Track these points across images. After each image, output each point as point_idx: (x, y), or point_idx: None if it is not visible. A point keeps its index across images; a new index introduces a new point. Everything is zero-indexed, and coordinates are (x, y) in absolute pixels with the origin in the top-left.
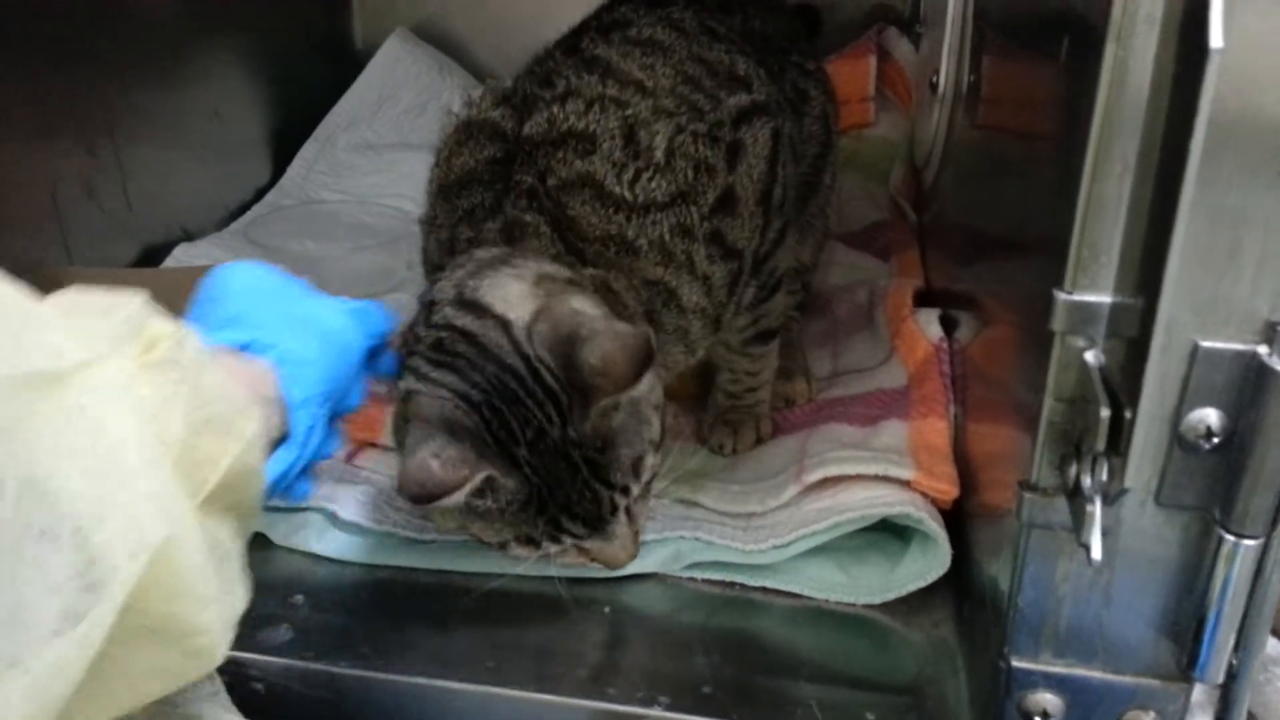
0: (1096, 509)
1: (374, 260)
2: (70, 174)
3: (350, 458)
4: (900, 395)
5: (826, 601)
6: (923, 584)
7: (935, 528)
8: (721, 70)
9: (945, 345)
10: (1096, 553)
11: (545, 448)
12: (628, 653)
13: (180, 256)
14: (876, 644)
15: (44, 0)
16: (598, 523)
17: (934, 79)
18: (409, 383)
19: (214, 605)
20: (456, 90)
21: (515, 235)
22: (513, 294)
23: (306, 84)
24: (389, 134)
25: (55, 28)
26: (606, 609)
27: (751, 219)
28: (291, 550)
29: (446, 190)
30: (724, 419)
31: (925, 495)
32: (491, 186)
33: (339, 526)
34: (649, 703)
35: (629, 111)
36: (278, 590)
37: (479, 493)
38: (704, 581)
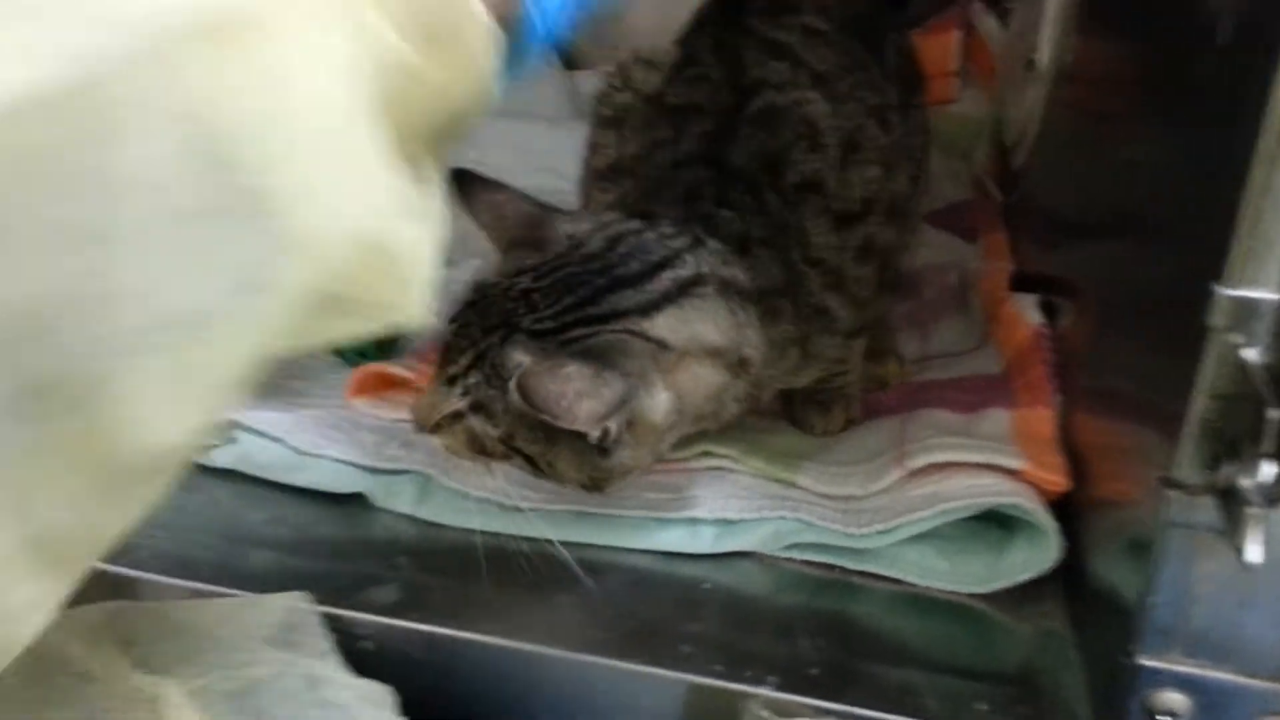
0: (1257, 512)
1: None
2: None
3: None
4: (999, 381)
5: (929, 589)
6: (1031, 576)
7: (1047, 520)
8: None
9: (1046, 332)
10: (1255, 556)
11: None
12: (731, 630)
13: None
14: (982, 633)
15: None
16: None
17: (1032, 55)
18: None
19: (415, 284)
20: None
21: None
22: None
23: None
24: None
25: None
26: (706, 585)
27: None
28: (390, 512)
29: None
30: (814, 399)
31: (1034, 486)
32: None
33: (437, 491)
34: (758, 681)
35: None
36: (382, 551)
37: None
38: (803, 562)
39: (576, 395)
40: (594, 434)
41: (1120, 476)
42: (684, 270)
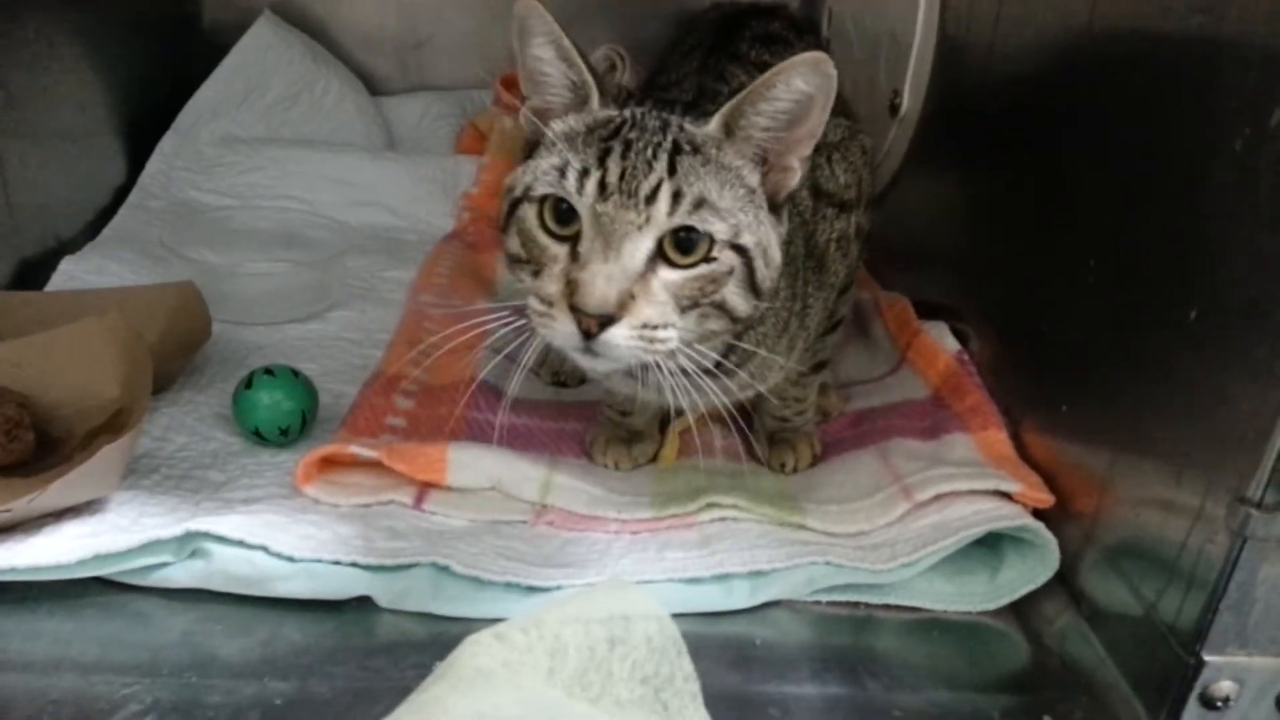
0: None
1: (302, 276)
2: None
3: (418, 502)
4: (935, 406)
5: (944, 613)
6: (1031, 588)
7: (1048, 536)
8: None
9: (966, 356)
10: None
11: (654, 113)
12: (800, 683)
13: (69, 271)
14: (1007, 647)
15: None
16: (628, 192)
17: (897, 101)
18: None
19: None
20: (332, 79)
21: None
22: None
23: (151, 69)
24: (257, 127)
25: None
26: (757, 641)
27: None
28: (399, 613)
29: None
30: (778, 438)
31: (1024, 505)
32: None
33: (450, 582)
34: None
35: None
36: (395, 652)
37: (575, 88)
38: (827, 604)
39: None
40: None
41: (1125, 492)
42: None
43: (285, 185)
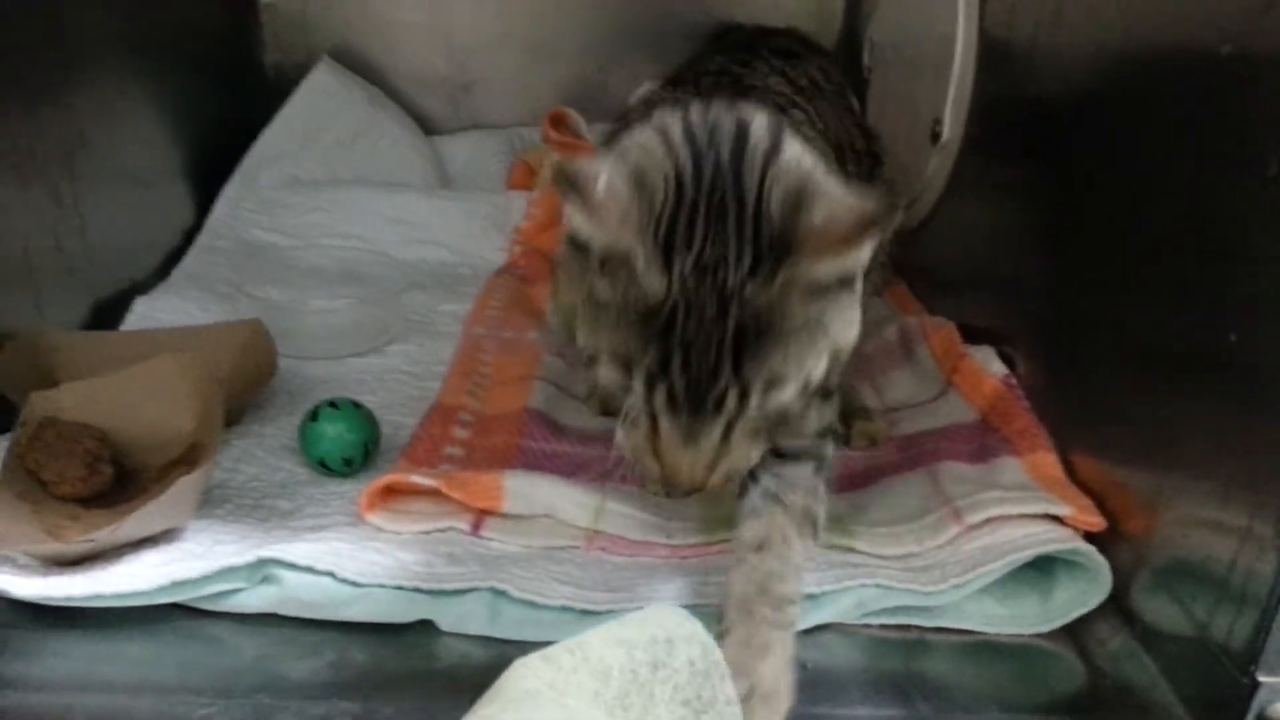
0: None
1: (360, 312)
2: (41, 229)
3: (476, 529)
4: (983, 430)
5: (996, 635)
6: (1084, 610)
7: (1100, 559)
8: (851, 143)
9: (1013, 380)
10: None
11: (709, 280)
12: (854, 708)
13: (142, 311)
14: (1060, 669)
15: None
16: (695, 403)
17: (938, 129)
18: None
19: None
20: (388, 122)
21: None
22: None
23: (215, 112)
24: (317, 169)
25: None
26: (809, 666)
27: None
28: (459, 636)
29: None
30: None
31: (1075, 528)
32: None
33: (508, 606)
34: None
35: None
36: (455, 675)
37: (608, 265)
38: (878, 627)
39: None
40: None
41: (1173, 512)
42: None
43: (345, 225)
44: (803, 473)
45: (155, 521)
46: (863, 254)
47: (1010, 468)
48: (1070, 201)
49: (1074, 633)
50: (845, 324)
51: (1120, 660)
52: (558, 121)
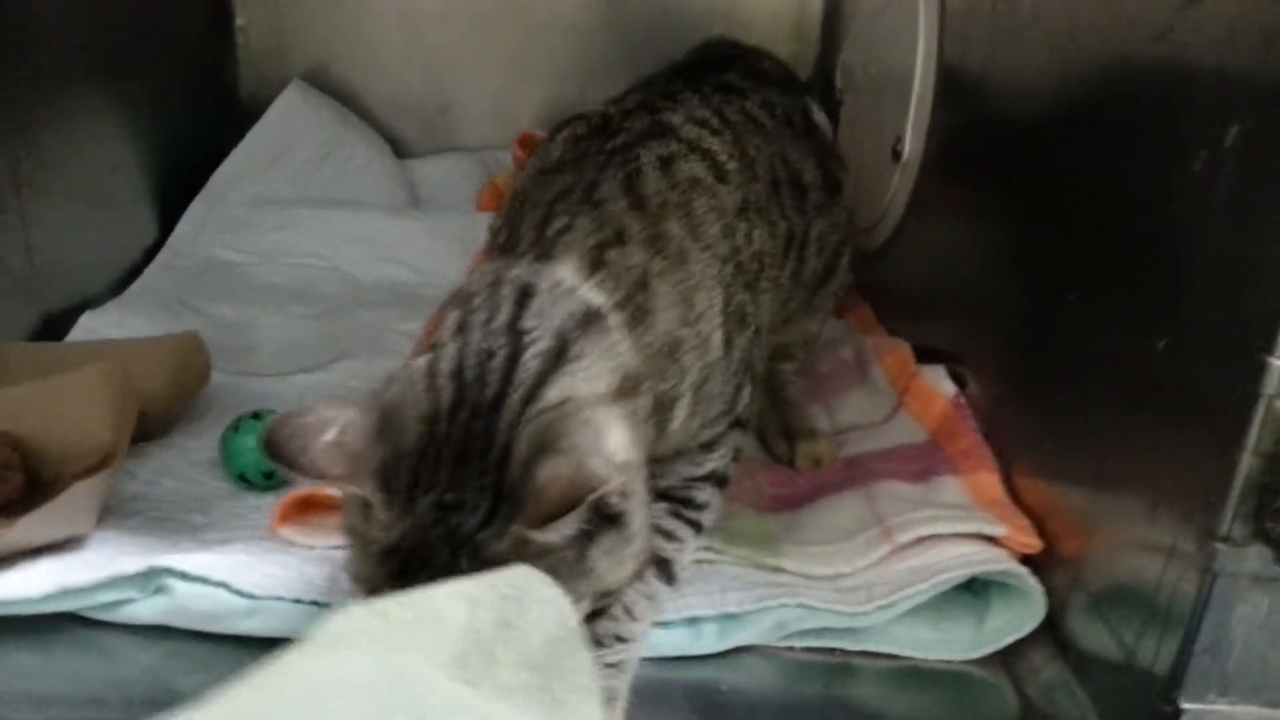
0: None
1: (310, 328)
2: None
3: None
4: (930, 450)
5: (925, 660)
6: (1018, 636)
7: (1033, 582)
8: (794, 175)
9: (962, 400)
10: None
11: (444, 525)
12: None
13: (88, 325)
14: (989, 697)
15: None
16: None
17: (898, 147)
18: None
19: None
20: (359, 142)
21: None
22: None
23: (187, 138)
24: (285, 189)
25: None
26: (724, 688)
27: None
28: None
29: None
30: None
31: (1010, 550)
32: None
33: None
34: None
35: (750, 186)
36: None
37: (348, 504)
38: (801, 650)
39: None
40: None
41: (1107, 534)
42: None
43: (308, 244)
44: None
45: (50, 527)
46: (613, 502)
47: (949, 487)
48: (1021, 219)
49: (1006, 660)
50: (614, 564)
51: (1053, 689)
52: (527, 142)
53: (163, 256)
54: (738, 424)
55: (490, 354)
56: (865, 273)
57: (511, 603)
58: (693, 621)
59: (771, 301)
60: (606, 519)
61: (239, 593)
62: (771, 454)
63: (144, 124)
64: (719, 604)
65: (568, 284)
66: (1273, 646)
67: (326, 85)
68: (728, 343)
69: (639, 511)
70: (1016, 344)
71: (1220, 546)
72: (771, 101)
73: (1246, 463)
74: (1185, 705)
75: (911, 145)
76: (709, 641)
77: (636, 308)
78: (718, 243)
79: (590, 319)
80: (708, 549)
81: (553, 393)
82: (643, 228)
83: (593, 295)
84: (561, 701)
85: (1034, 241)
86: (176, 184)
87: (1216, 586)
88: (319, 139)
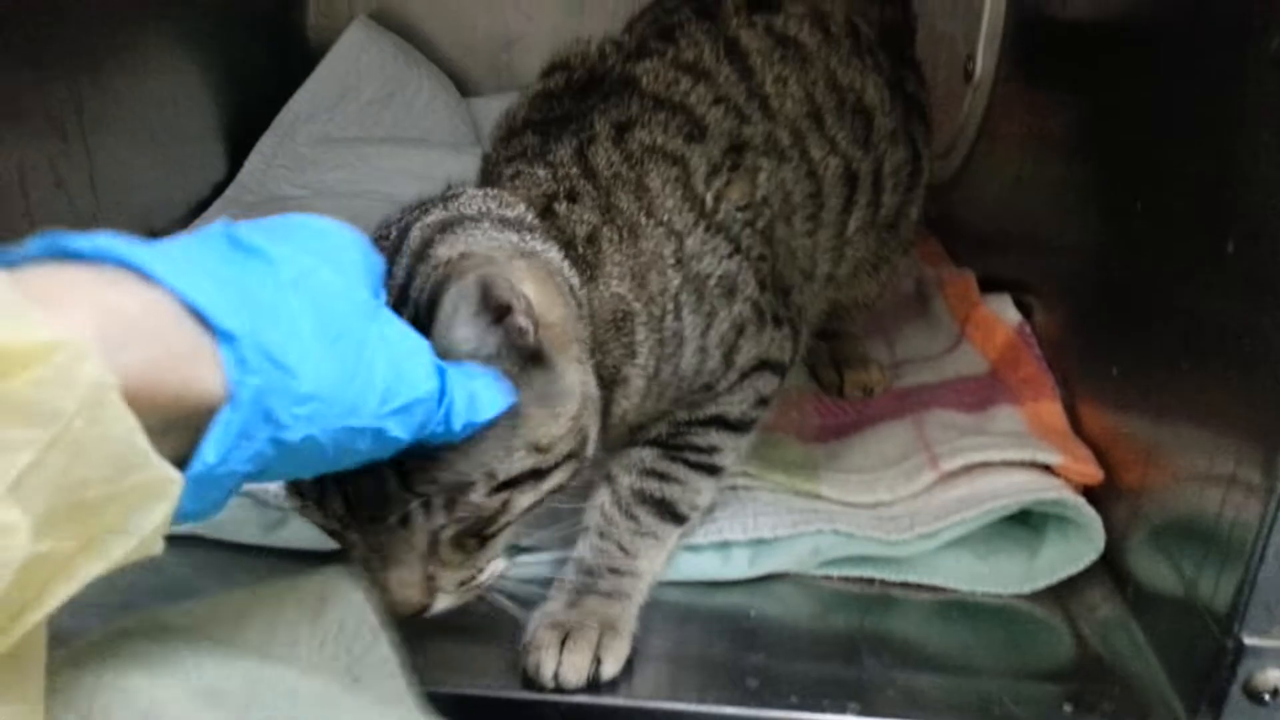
0: None
1: None
2: (40, 161)
3: None
4: (991, 380)
5: (971, 594)
6: (1074, 570)
7: (1090, 513)
8: (849, 101)
9: (1027, 328)
10: None
11: None
12: (792, 659)
13: None
14: (1038, 633)
15: None
16: (375, 521)
17: (969, 65)
18: None
19: None
20: (424, 80)
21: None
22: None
23: (257, 75)
24: (351, 127)
25: (19, 11)
26: (752, 613)
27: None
28: None
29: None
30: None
31: (1067, 480)
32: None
33: None
34: (839, 709)
35: (746, 130)
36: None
37: None
38: (840, 579)
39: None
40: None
41: (1168, 464)
42: None
43: (370, 181)
44: (645, 454)
45: None
46: (520, 322)
47: (1006, 416)
48: (1095, 137)
49: (1061, 595)
50: (547, 416)
51: (1108, 628)
52: None
53: (230, 192)
54: (765, 366)
55: (397, 231)
56: (933, 205)
57: (312, 602)
58: (723, 546)
59: (823, 247)
60: (531, 357)
61: (267, 504)
62: (821, 384)
63: (210, 60)
64: (751, 529)
65: (503, 200)
66: None
67: (391, 23)
68: (706, 323)
69: (572, 370)
70: (1085, 271)
71: None
72: (823, 11)
73: None
74: (1248, 640)
75: (983, 64)
76: (739, 567)
77: (584, 261)
78: (675, 216)
79: (507, 221)
80: (744, 474)
81: (441, 250)
82: (596, 195)
83: (527, 216)
84: (362, 681)
85: (1108, 161)
86: (245, 121)
87: None
88: (384, 77)
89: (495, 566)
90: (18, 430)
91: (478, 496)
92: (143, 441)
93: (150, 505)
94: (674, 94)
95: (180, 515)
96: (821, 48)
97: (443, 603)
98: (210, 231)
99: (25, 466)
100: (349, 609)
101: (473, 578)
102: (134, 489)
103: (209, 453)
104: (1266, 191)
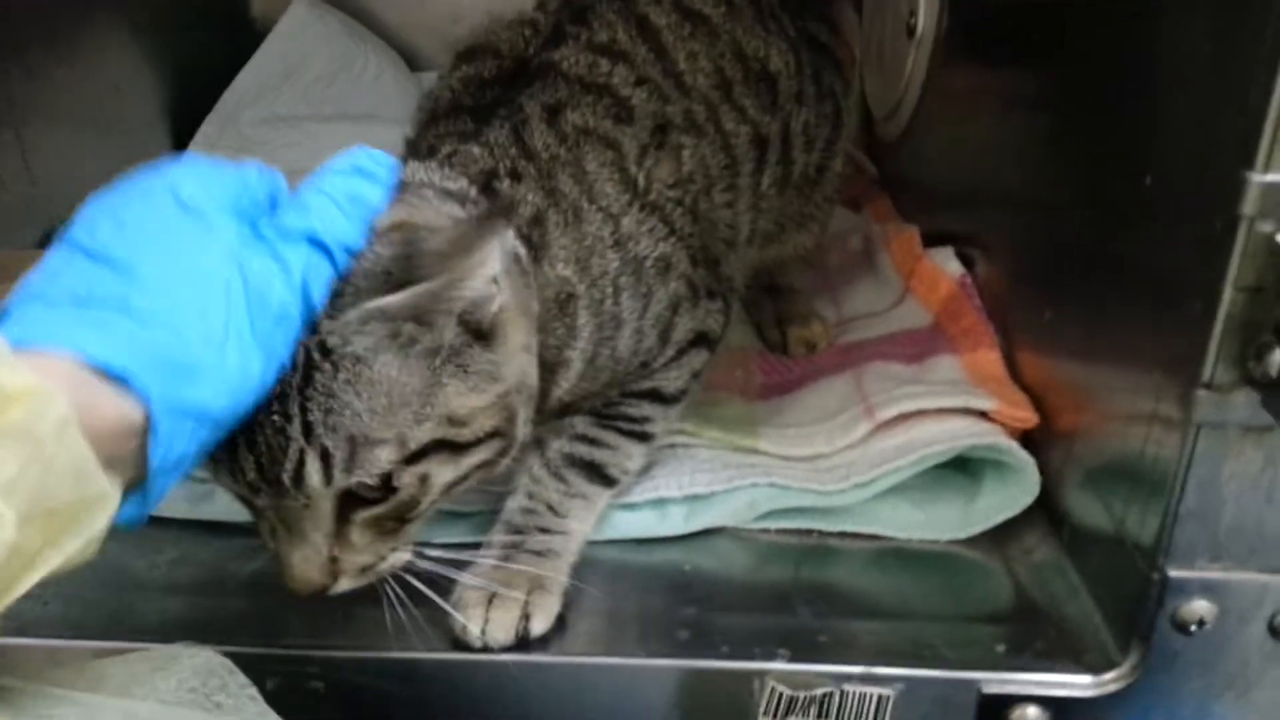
0: None
1: None
2: None
3: None
4: (932, 333)
5: (908, 541)
6: (1010, 514)
7: (1024, 457)
8: (754, 69)
9: (969, 280)
10: None
11: None
12: (725, 610)
13: None
14: (974, 578)
15: None
16: (273, 481)
17: (911, 23)
18: None
19: None
20: (370, 56)
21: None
22: None
23: (201, 60)
24: (299, 105)
25: None
26: (686, 568)
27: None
28: None
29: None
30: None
31: (1003, 425)
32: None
33: None
34: (769, 657)
35: (668, 109)
36: None
37: None
38: (777, 532)
39: None
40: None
41: (1098, 405)
42: None
43: (321, 158)
44: (577, 420)
45: None
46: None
47: (944, 365)
48: (1033, 90)
49: (998, 540)
50: (467, 389)
51: (1044, 571)
52: None
53: None
54: (699, 340)
55: None
56: (883, 164)
57: (165, 655)
58: (659, 503)
59: (741, 214)
60: (476, 333)
61: (195, 477)
62: (766, 342)
63: (149, 44)
64: (687, 485)
65: (444, 173)
66: (1269, 504)
67: (341, 2)
68: (643, 305)
69: (516, 358)
70: (1025, 222)
71: (1202, 393)
72: None
73: (1228, 297)
74: (1172, 573)
75: (925, 18)
76: (675, 523)
77: (529, 242)
78: (613, 199)
79: (450, 194)
80: (680, 432)
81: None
82: (538, 176)
83: (470, 190)
84: (224, 706)
85: (1046, 112)
86: (188, 105)
87: (1200, 440)
88: (330, 54)
89: (398, 557)
90: (7, 450)
91: (385, 458)
92: (94, 464)
93: (96, 512)
94: (597, 76)
95: (132, 516)
96: (725, 19)
97: (342, 585)
98: (66, 246)
99: (11, 476)
100: (199, 655)
101: (374, 564)
102: (85, 499)
103: (154, 457)
104: (1177, 126)
